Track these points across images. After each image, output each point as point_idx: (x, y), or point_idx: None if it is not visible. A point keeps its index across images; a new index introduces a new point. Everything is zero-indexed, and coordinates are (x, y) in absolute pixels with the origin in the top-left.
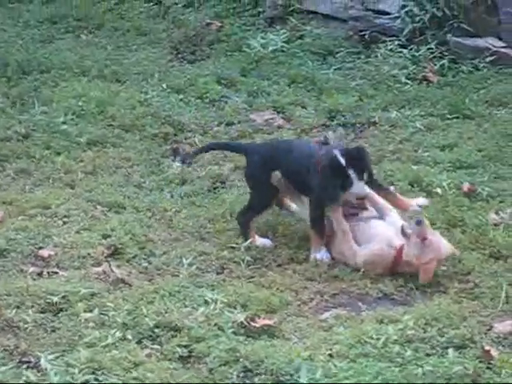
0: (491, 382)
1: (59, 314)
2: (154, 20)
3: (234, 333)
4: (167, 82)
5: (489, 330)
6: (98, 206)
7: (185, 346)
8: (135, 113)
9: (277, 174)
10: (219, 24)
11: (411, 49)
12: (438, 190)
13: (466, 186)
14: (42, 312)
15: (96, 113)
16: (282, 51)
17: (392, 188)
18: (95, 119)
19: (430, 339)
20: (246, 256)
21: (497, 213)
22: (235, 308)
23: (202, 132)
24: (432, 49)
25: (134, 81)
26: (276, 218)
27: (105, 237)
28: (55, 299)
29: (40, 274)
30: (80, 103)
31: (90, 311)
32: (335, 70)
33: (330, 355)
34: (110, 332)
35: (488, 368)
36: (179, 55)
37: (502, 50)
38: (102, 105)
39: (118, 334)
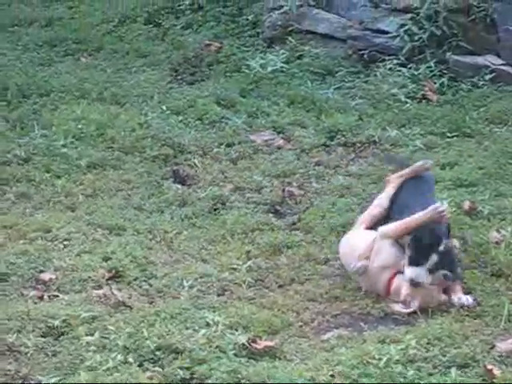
0: None
1: (60, 338)
2: (153, 42)
3: (236, 354)
4: (167, 104)
5: (491, 348)
6: (99, 229)
7: (186, 369)
8: (135, 135)
9: None
10: (218, 45)
11: (410, 67)
12: None
13: (466, 204)
14: (42, 336)
15: (96, 135)
16: (282, 71)
17: None
18: (95, 142)
19: (433, 358)
20: (247, 277)
21: (498, 231)
22: (237, 330)
23: (202, 153)
24: (431, 67)
25: (133, 103)
26: (277, 237)
27: (105, 259)
28: (56, 323)
29: (41, 298)
30: (80, 126)
31: (91, 334)
32: (335, 89)
33: (332, 376)
34: (111, 355)
35: None
36: (178, 77)
37: (502, 67)
38: (101, 127)
39: (120, 357)
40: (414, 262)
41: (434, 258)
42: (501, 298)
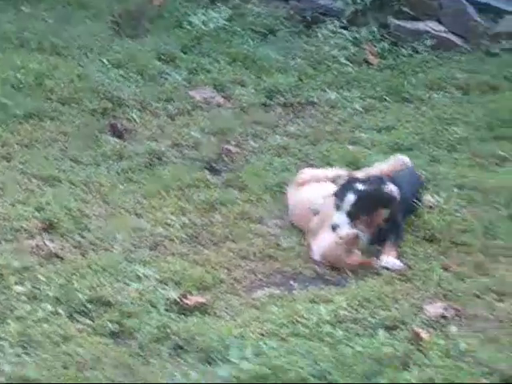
0: (420, 363)
1: None
2: None
3: (166, 309)
4: (107, 57)
5: (420, 312)
6: (34, 179)
7: (116, 322)
8: (74, 86)
9: None
10: (161, 0)
11: (352, 30)
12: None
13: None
14: None
15: (34, 85)
16: (224, 29)
17: None
18: (33, 92)
19: (362, 320)
20: (181, 233)
21: (432, 196)
22: (168, 285)
23: (141, 108)
24: (373, 31)
25: (73, 54)
26: (213, 195)
27: (39, 210)
28: None
29: None
30: (18, 75)
31: (22, 284)
32: (276, 49)
33: (262, 334)
34: (42, 306)
35: (418, 350)
36: (120, 30)
37: (442, 34)
38: (40, 78)
39: (50, 308)
40: (336, 207)
41: (350, 197)
42: (432, 263)
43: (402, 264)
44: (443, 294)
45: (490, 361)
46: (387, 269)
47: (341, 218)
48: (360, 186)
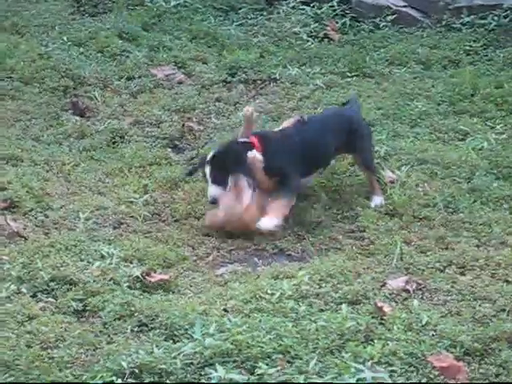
0: (383, 337)
1: None
2: None
3: (130, 287)
4: (68, 35)
5: (382, 286)
6: None
7: (80, 300)
8: (35, 65)
9: None
10: None
11: (313, 6)
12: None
13: None
14: None
15: None
16: (185, 6)
17: None
18: None
19: (325, 295)
20: (144, 211)
21: (392, 171)
22: (131, 263)
23: (102, 86)
24: (334, 7)
25: (34, 33)
26: (175, 172)
27: (1, 190)
28: None
29: None
30: None
31: None
32: (237, 26)
33: (225, 310)
34: (5, 285)
35: (380, 324)
36: (81, 8)
37: (403, 9)
38: (1, 57)
39: (13, 288)
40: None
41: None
42: (393, 237)
43: (277, 224)
44: (405, 267)
45: (452, 334)
46: (259, 229)
47: (212, 189)
48: (209, 155)
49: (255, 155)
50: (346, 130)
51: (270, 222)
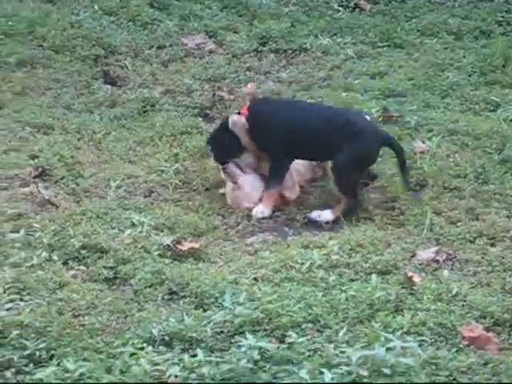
0: (413, 307)
1: None
2: None
3: (160, 255)
4: (99, 4)
5: (412, 256)
6: (27, 127)
7: (111, 268)
8: (66, 34)
9: None
10: None
11: None
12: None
13: (386, 113)
14: None
15: (26, 33)
16: None
17: None
18: (25, 39)
19: (355, 265)
20: (174, 180)
21: (423, 141)
22: (162, 231)
23: (133, 55)
24: None
25: (65, 2)
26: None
27: (33, 158)
28: None
29: None
30: (10, 23)
31: (17, 232)
32: None
33: (255, 279)
34: (36, 253)
35: (410, 294)
36: None
37: None
38: (32, 25)
39: (44, 255)
40: None
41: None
42: (424, 208)
43: (265, 215)
44: (435, 238)
45: (482, 304)
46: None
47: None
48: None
49: (237, 118)
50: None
51: (259, 211)
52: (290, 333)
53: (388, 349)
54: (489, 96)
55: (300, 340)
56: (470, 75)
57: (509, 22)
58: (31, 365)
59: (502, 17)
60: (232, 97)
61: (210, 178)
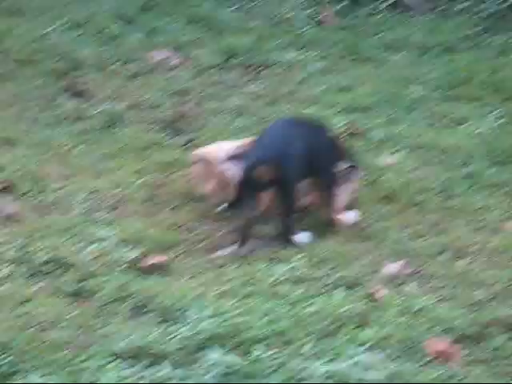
0: (378, 321)
1: None
2: None
3: (126, 270)
4: (65, 17)
5: (377, 271)
6: None
7: (76, 282)
8: (32, 47)
9: None
10: None
11: None
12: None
13: (352, 128)
14: None
15: None
16: None
17: None
18: None
19: (320, 279)
20: (140, 193)
21: (388, 156)
22: (128, 245)
23: (99, 68)
24: None
25: (31, 15)
26: (171, 155)
27: None
28: None
29: None
30: None
31: None
32: (235, 9)
33: (220, 294)
34: (1, 267)
35: (376, 308)
36: None
37: None
38: None
39: (9, 269)
40: None
41: None
42: (390, 222)
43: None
44: (400, 252)
45: (447, 318)
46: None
47: None
48: None
49: None
50: None
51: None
52: (255, 347)
53: (354, 363)
54: (454, 111)
55: (265, 355)
56: (434, 90)
57: (473, 37)
58: None
59: (467, 32)
60: (197, 111)
61: (175, 192)
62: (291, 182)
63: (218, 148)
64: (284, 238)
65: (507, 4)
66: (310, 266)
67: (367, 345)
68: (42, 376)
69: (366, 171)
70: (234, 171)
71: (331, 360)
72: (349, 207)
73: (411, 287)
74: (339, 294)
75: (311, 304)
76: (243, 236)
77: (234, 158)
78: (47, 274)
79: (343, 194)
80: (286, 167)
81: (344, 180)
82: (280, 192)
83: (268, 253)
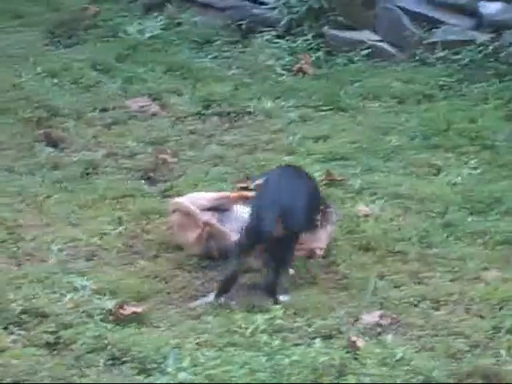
0: (357, 372)
1: None
2: (29, 2)
3: (102, 320)
4: (42, 66)
5: (356, 320)
6: None
7: (52, 333)
8: (8, 96)
9: None
10: (96, 9)
11: (288, 40)
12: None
13: (329, 177)
14: None
15: None
16: (159, 38)
17: None
18: None
19: (298, 329)
20: (117, 243)
21: (366, 204)
22: (104, 295)
23: (76, 117)
24: (309, 40)
25: (7, 64)
26: (149, 204)
27: None
28: None
29: None
30: None
31: None
32: (212, 58)
33: (198, 344)
34: None
35: (354, 358)
36: (55, 39)
37: (378, 43)
38: None
39: None
40: None
41: None
42: (368, 271)
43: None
44: (379, 302)
45: (426, 369)
46: None
47: None
48: None
49: None
50: None
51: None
52: None
53: None
54: (431, 160)
55: None
56: (412, 139)
57: (450, 86)
58: None
59: (444, 81)
60: (175, 159)
61: (152, 242)
62: (296, 237)
63: (196, 198)
64: (270, 293)
65: (484, 53)
66: (288, 316)
67: None
68: None
69: (344, 220)
70: (213, 222)
71: None
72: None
73: (390, 337)
74: (317, 345)
75: (289, 355)
76: (224, 286)
77: (212, 209)
78: (23, 324)
79: (324, 235)
80: (294, 221)
81: (324, 221)
82: (280, 246)
83: (246, 302)
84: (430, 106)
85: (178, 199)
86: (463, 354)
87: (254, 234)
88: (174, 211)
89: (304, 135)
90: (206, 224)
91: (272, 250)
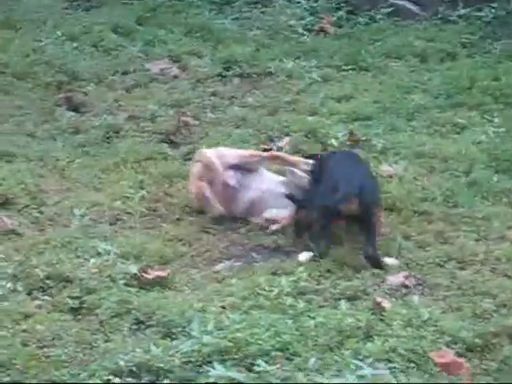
0: (383, 333)
1: None
2: None
3: (126, 284)
4: (61, 30)
5: (382, 282)
6: None
7: (76, 298)
8: (28, 60)
9: None
10: None
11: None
12: (334, 142)
13: (352, 137)
14: None
15: None
16: (179, 0)
17: None
18: None
19: (323, 291)
20: (140, 207)
21: (390, 165)
22: (128, 259)
23: (97, 81)
24: (330, 0)
25: (27, 28)
26: (171, 167)
27: None
28: None
29: None
30: None
31: None
32: (232, 19)
33: (223, 307)
34: (0, 283)
35: (380, 320)
36: (74, 2)
37: (399, 1)
38: None
39: (8, 286)
40: None
41: None
42: (393, 232)
43: None
44: (405, 263)
45: (453, 329)
46: None
47: None
48: None
49: None
50: None
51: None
52: (258, 361)
53: (359, 376)
54: (455, 118)
55: (269, 369)
56: (435, 98)
57: (473, 44)
58: None
59: (467, 39)
60: (197, 122)
61: (175, 205)
62: (374, 213)
63: (224, 153)
64: (375, 262)
65: (507, 10)
66: (313, 279)
67: (372, 358)
68: None
69: None
70: (234, 180)
71: (336, 374)
72: None
73: (415, 298)
74: (343, 307)
75: (315, 317)
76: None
77: (235, 167)
78: (47, 289)
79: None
80: (370, 199)
81: None
82: (363, 222)
83: (270, 265)
84: (453, 64)
85: (205, 150)
86: (490, 313)
87: (330, 212)
88: (197, 161)
89: (326, 95)
90: (221, 181)
91: (360, 226)
